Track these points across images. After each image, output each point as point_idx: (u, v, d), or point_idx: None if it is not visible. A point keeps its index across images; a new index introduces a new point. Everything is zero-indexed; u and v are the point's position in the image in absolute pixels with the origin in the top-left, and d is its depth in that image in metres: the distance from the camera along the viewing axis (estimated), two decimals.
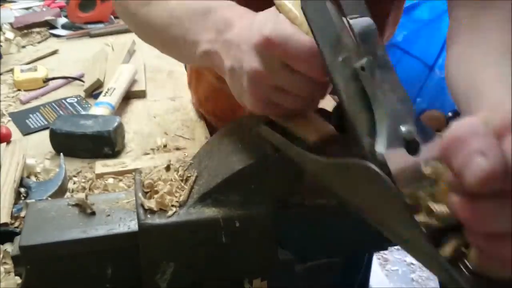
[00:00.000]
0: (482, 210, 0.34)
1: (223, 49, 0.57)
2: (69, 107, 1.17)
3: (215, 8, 0.60)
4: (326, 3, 0.48)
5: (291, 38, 0.49)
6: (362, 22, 0.47)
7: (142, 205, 0.59)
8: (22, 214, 0.80)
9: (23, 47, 1.51)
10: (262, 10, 0.55)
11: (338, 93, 0.46)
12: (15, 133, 1.06)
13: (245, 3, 0.60)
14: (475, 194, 0.34)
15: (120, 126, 1.00)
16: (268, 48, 0.50)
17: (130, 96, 1.20)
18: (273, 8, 0.53)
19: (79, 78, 1.29)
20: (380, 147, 0.43)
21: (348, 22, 0.47)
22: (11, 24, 1.62)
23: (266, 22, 0.51)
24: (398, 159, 0.42)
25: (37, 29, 1.61)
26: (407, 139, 0.43)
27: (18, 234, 0.67)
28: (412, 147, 0.43)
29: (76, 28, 1.63)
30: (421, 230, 0.40)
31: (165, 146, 1.03)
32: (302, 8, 0.49)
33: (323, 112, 0.58)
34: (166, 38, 0.69)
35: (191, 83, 1.12)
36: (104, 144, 0.97)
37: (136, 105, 1.19)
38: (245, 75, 0.53)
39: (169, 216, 0.58)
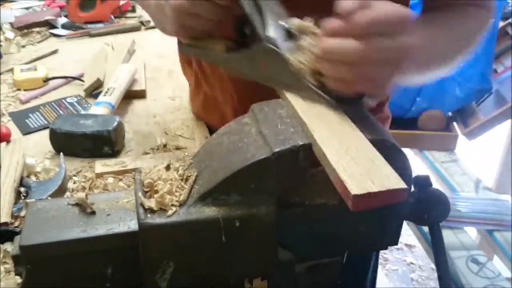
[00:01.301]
0: (331, 45, 0.59)
1: None
2: (69, 107, 1.17)
3: None
4: None
5: None
6: None
7: (142, 205, 0.59)
8: (22, 213, 0.80)
9: (23, 46, 1.51)
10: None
11: (243, 7, 0.70)
12: (15, 132, 1.06)
13: None
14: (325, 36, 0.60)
15: (120, 126, 1.00)
16: None
17: (130, 95, 1.20)
18: None
19: (79, 78, 1.29)
20: (271, 34, 0.68)
21: None
22: (11, 23, 1.62)
23: None
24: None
25: (37, 29, 1.61)
26: (287, 29, 0.68)
27: (18, 233, 0.67)
28: (290, 35, 0.68)
29: (76, 28, 1.63)
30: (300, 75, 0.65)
31: (165, 145, 1.03)
32: None
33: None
34: None
35: (190, 95, 1.14)
36: (104, 143, 0.97)
37: (136, 105, 1.19)
38: (170, 7, 0.71)
39: (169, 216, 0.58)
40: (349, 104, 0.64)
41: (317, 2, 0.69)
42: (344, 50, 0.59)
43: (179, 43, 0.83)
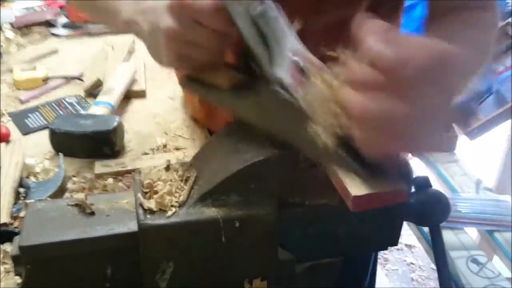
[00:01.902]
0: (363, 101, 0.47)
1: (141, 17, 0.67)
2: (69, 107, 1.17)
3: None
4: None
5: None
6: None
7: (142, 205, 0.59)
8: (22, 214, 0.80)
9: (23, 46, 1.51)
10: None
11: (244, 36, 0.56)
12: (15, 132, 1.05)
13: None
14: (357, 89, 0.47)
15: (119, 126, 1.00)
16: (179, 8, 0.58)
17: (129, 95, 1.20)
18: None
19: (78, 78, 1.29)
20: (281, 72, 0.54)
21: None
22: (11, 23, 1.61)
23: None
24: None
25: (37, 29, 1.61)
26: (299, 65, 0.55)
27: (17, 234, 0.67)
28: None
29: (76, 28, 1.63)
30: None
31: (164, 146, 1.03)
32: None
33: (228, 64, 0.65)
34: (96, 8, 0.82)
35: (183, 99, 1.14)
36: (103, 144, 0.97)
37: (135, 105, 1.19)
38: (162, 34, 0.61)
39: (169, 216, 0.58)
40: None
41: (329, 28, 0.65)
42: (389, 114, 0.46)
43: (181, 77, 0.74)
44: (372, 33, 0.47)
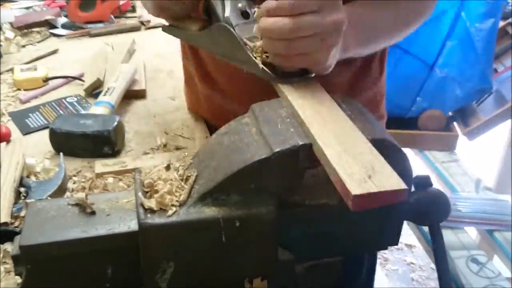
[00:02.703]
0: (267, 23, 0.67)
1: None
2: (69, 107, 1.17)
3: None
4: None
5: None
6: None
7: (142, 205, 0.59)
8: (22, 213, 0.80)
9: (23, 46, 1.51)
10: None
11: None
12: (15, 132, 1.05)
13: None
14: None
15: (120, 126, 1.00)
16: None
17: (130, 95, 1.20)
18: None
19: (79, 78, 1.29)
20: (228, 14, 0.79)
21: None
22: (11, 23, 1.62)
23: None
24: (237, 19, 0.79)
25: (37, 29, 1.61)
26: (241, 10, 0.80)
27: (18, 233, 0.67)
28: (245, 15, 0.80)
29: (76, 28, 1.63)
30: (250, 53, 0.75)
31: (165, 145, 1.03)
32: None
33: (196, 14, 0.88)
34: None
35: (185, 90, 1.14)
36: (104, 143, 0.97)
37: (136, 105, 1.19)
38: None
39: (169, 216, 0.58)
40: (290, 79, 0.71)
41: None
42: (277, 27, 0.67)
43: (163, 23, 0.95)
44: None
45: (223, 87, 0.98)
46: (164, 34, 0.94)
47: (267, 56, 0.73)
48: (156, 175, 0.63)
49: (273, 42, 0.69)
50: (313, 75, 0.73)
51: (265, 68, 0.73)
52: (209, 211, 0.58)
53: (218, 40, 0.81)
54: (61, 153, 0.94)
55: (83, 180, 0.92)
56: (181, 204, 0.59)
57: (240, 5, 0.81)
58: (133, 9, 1.82)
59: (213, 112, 1.05)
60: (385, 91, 1.05)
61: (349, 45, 0.76)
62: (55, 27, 1.64)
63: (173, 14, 0.87)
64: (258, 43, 0.73)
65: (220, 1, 0.81)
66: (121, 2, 1.78)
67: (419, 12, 0.89)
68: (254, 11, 0.76)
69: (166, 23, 0.93)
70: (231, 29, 0.78)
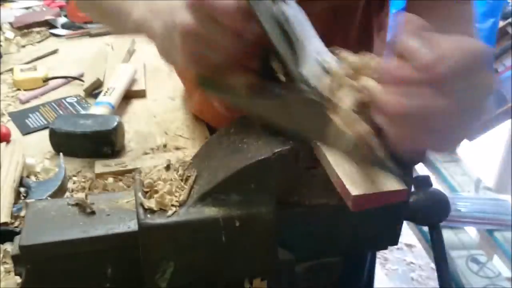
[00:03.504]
0: (400, 97, 0.47)
1: (154, 16, 0.65)
2: (69, 107, 1.17)
3: None
4: None
5: None
6: None
7: (142, 205, 0.59)
8: (22, 213, 0.80)
9: (23, 46, 1.51)
10: None
11: (268, 35, 0.55)
12: (15, 132, 1.05)
13: None
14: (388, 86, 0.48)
15: (120, 126, 1.00)
16: (200, 5, 0.56)
17: (130, 95, 1.20)
18: None
19: (79, 78, 1.29)
20: (306, 71, 0.54)
21: None
22: (11, 23, 1.62)
23: None
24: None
25: (37, 29, 1.61)
26: (324, 65, 0.55)
27: (18, 233, 0.67)
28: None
29: (76, 28, 1.63)
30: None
31: (165, 145, 1.03)
32: None
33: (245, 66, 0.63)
34: (104, 10, 0.80)
35: (185, 97, 1.13)
36: (104, 143, 0.97)
37: (136, 105, 1.19)
38: (178, 32, 0.58)
39: (169, 216, 0.58)
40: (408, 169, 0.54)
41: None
42: (427, 110, 0.47)
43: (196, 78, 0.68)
44: (407, 31, 0.48)
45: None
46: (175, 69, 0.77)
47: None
48: (156, 175, 0.63)
49: (414, 131, 0.48)
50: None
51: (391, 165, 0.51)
52: (209, 211, 0.58)
53: (294, 113, 0.57)
54: (61, 153, 0.94)
55: (83, 180, 0.92)
56: (181, 204, 0.59)
57: (319, 58, 0.56)
58: None
59: (213, 115, 1.04)
60: None
61: None
62: (55, 27, 1.64)
63: (212, 65, 0.60)
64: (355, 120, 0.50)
65: (288, 49, 0.55)
66: None
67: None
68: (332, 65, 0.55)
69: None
70: (319, 100, 0.53)
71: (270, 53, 0.57)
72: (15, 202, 0.83)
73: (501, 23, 2.19)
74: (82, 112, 1.14)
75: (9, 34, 1.53)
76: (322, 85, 0.54)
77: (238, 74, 0.60)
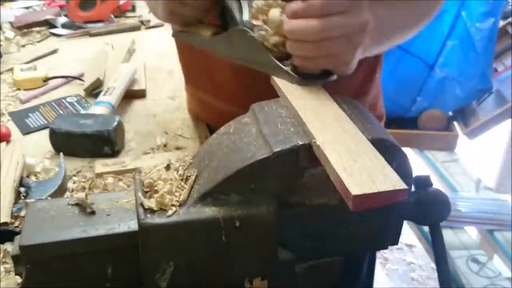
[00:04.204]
0: (293, 25, 0.66)
1: None
2: (69, 106, 1.17)
3: None
4: None
5: None
6: None
7: (142, 205, 0.59)
8: (22, 213, 0.80)
9: (23, 46, 1.51)
10: None
11: None
12: (15, 132, 1.05)
13: None
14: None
15: (120, 126, 1.00)
16: None
17: (130, 95, 1.20)
18: None
19: (79, 77, 1.29)
20: (245, 17, 0.77)
21: None
22: (11, 23, 1.62)
23: None
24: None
25: (37, 28, 1.61)
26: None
27: (18, 233, 0.67)
28: None
29: (76, 27, 1.63)
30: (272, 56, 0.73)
31: (165, 145, 1.03)
32: None
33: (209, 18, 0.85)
34: None
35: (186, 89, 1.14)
36: (104, 143, 0.97)
37: (136, 105, 1.19)
38: None
39: (169, 216, 0.58)
40: (314, 81, 0.70)
41: None
42: (305, 29, 0.66)
43: (172, 29, 0.90)
44: None
45: (222, 88, 0.98)
46: (164, 33, 0.92)
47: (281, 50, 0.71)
48: (156, 175, 0.63)
49: (300, 44, 0.67)
50: (335, 76, 0.72)
51: (289, 71, 0.70)
52: (209, 211, 0.58)
53: (236, 45, 0.78)
54: (61, 153, 0.94)
55: (83, 180, 0.92)
56: (181, 204, 0.59)
57: (254, 4, 0.76)
58: (133, 9, 1.82)
59: (213, 115, 1.04)
60: (381, 89, 1.06)
61: (367, 44, 0.75)
62: (55, 26, 1.64)
63: (185, 19, 0.83)
64: (269, 36, 0.72)
65: (235, 3, 0.78)
66: (121, 2, 1.77)
67: (432, 7, 0.89)
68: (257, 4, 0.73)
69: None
70: (251, 33, 0.74)
71: (226, 9, 0.79)
72: (15, 202, 0.83)
73: (501, 23, 2.19)
74: (82, 111, 1.14)
75: (9, 33, 1.53)
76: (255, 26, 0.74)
77: (204, 25, 0.83)
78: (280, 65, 0.71)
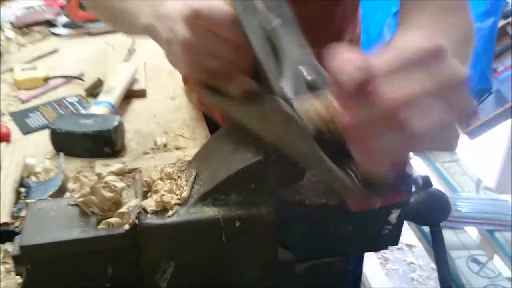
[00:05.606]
0: (355, 112, 0.43)
1: (159, 23, 0.66)
2: (69, 106, 1.17)
3: None
4: None
5: (215, 9, 0.58)
6: None
7: (142, 205, 0.59)
8: (22, 213, 0.80)
9: (24, 46, 1.51)
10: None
11: (253, 49, 0.56)
12: (15, 132, 1.05)
13: None
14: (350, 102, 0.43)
15: (120, 126, 1.00)
16: (196, 18, 0.58)
17: (130, 95, 1.20)
18: None
19: (79, 77, 1.29)
20: (286, 85, 0.55)
21: None
22: (11, 23, 1.62)
23: None
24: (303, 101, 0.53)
25: (38, 28, 1.61)
26: (308, 82, 0.55)
27: (18, 233, 0.67)
28: (312, 87, 0.54)
29: (76, 27, 1.63)
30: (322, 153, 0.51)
31: (165, 145, 1.03)
32: None
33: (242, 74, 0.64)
34: (112, 10, 0.81)
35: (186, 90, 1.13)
36: (104, 143, 0.97)
37: (136, 104, 1.19)
38: (178, 43, 0.61)
39: (169, 216, 0.58)
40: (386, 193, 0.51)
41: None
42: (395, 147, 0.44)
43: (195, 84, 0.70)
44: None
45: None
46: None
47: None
48: (156, 175, 0.63)
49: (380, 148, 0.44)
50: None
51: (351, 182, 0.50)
52: (209, 211, 0.58)
53: (271, 125, 0.56)
54: (61, 153, 0.94)
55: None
56: (181, 204, 0.59)
57: (309, 78, 0.55)
58: None
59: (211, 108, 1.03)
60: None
61: None
62: (55, 26, 1.64)
63: (209, 72, 0.63)
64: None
65: (272, 60, 0.56)
66: None
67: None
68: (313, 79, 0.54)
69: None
70: (296, 117, 0.52)
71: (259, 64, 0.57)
72: (15, 202, 0.83)
73: (501, 23, 2.19)
74: (83, 111, 1.14)
75: (10, 33, 1.53)
76: (297, 103, 0.53)
77: (234, 81, 0.61)
78: (340, 172, 0.50)
